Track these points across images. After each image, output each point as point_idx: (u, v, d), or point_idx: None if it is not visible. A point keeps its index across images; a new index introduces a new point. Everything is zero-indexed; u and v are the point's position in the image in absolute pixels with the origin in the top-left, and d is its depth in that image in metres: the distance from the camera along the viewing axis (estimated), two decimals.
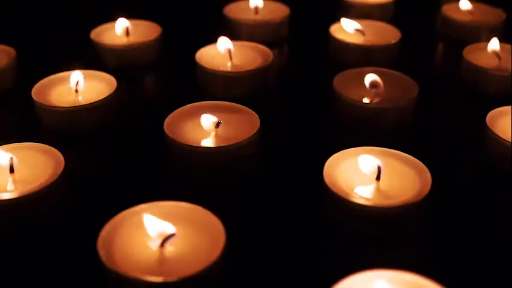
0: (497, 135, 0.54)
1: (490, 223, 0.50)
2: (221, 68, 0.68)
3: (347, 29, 0.76)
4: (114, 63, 0.73)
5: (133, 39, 0.75)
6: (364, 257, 0.45)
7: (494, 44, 0.70)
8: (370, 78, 0.62)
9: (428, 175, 0.47)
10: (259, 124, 0.54)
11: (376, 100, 0.62)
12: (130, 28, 0.75)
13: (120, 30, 0.75)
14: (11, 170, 0.50)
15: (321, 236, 0.47)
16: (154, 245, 0.41)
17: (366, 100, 0.62)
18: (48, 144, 0.52)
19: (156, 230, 0.41)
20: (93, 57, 0.73)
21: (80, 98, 0.62)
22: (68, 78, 0.63)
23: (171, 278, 0.38)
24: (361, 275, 0.37)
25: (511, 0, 0.87)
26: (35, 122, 0.61)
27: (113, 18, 0.77)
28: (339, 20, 0.78)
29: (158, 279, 0.38)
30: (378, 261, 0.39)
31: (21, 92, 0.66)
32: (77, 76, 0.62)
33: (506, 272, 0.44)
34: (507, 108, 0.58)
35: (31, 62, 0.74)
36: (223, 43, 0.69)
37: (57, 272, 0.44)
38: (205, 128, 0.55)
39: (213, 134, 0.55)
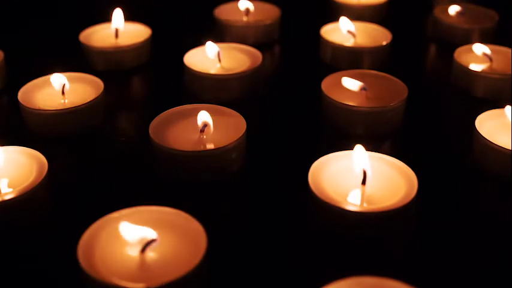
0: (486, 139, 0.53)
1: (478, 227, 0.49)
2: (210, 71, 0.67)
3: (342, 29, 0.76)
4: (103, 66, 0.72)
5: (123, 41, 0.75)
6: (348, 262, 0.44)
7: (480, 48, 0.70)
8: (355, 83, 0.61)
9: (414, 179, 0.47)
10: (245, 127, 0.54)
11: (365, 103, 0.61)
12: (120, 30, 0.75)
13: (113, 27, 0.75)
14: None
15: (306, 241, 0.47)
16: (135, 250, 0.41)
17: (353, 102, 0.61)
18: (33, 148, 0.51)
19: (136, 236, 0.40)
20: (82, 59, 0.73)
21: (66, 101, 0.61)
22: (54, 81, 0.62)
23: (153, 284, 0.37)
24: (345, 281, 0.36)
25: (503, 1, 0.87)
26: (21, 125, 0.60)
27: (102, 21, 0.76)
28: (330, 22, 0.78)
29: (139, 285, 0.37)
30: (363, 267, 0.39)
31: (9, 95, 0.65)
32: (62, 79, 0.62)
33: (494, 278, 0.44)
34: (497, 111, 0.58)
35: (19, 64, 0.73)
36: (212, 48, 0.68)
37: (37, 277, 0.44)
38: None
39: (198, 137, 0.54)
